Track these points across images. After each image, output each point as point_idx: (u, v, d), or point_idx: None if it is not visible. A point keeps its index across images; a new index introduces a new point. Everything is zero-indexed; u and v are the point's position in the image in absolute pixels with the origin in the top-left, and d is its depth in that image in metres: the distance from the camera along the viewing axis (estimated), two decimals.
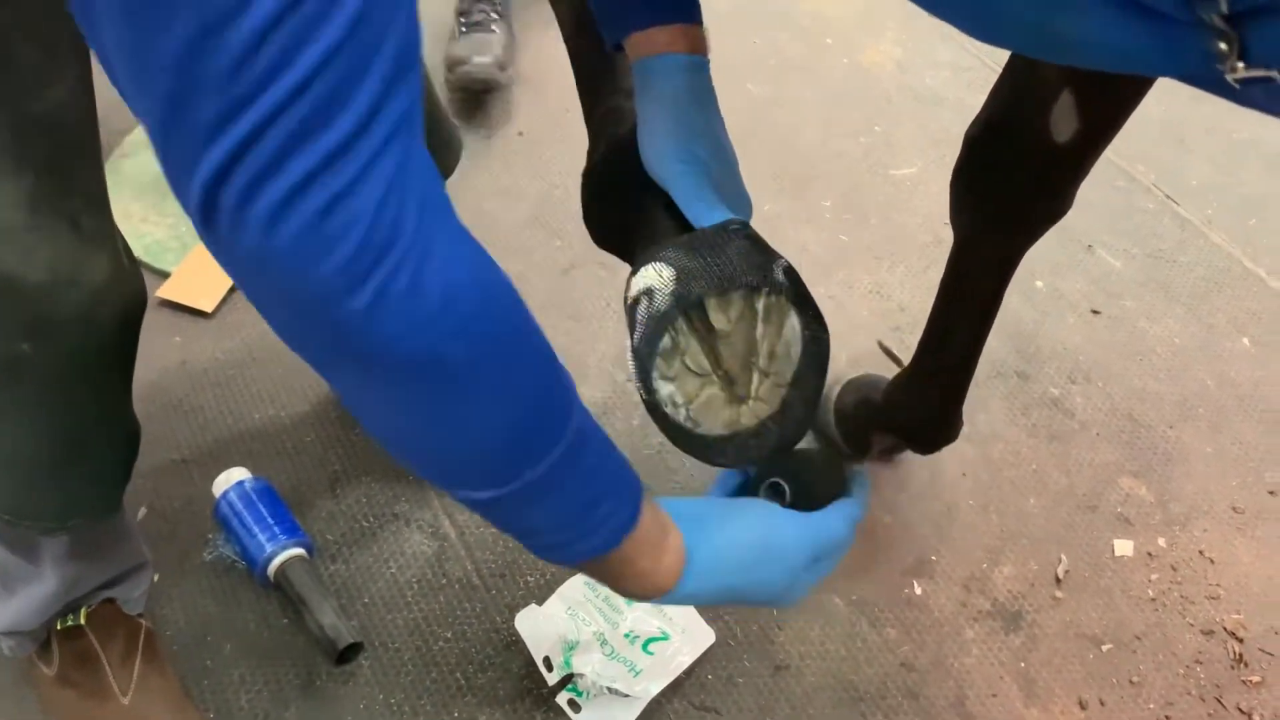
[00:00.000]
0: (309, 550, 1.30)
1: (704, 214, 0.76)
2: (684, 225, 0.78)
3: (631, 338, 0.74)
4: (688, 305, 0.72)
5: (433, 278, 0.52)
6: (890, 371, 1.42)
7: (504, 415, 0.59)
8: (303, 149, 0.46)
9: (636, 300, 0.73)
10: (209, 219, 0.49)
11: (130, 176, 1.76)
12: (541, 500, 0.63)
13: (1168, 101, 2.10)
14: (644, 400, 0.75)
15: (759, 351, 0.75)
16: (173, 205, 1.82)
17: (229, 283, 1.63)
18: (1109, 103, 1.01)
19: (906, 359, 1.36)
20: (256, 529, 1.29)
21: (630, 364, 0.74)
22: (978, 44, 2.18)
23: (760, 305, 0.74)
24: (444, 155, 1.24)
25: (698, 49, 0.80)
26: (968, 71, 2.16)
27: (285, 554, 1.27)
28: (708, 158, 0.77)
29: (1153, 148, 2.02)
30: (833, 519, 0.77)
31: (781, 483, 0.79)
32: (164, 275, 1.63)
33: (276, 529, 1.29)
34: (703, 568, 0.71)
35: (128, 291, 0.89)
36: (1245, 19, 0.44)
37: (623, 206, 0.84)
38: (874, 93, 2.12)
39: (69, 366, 0.86)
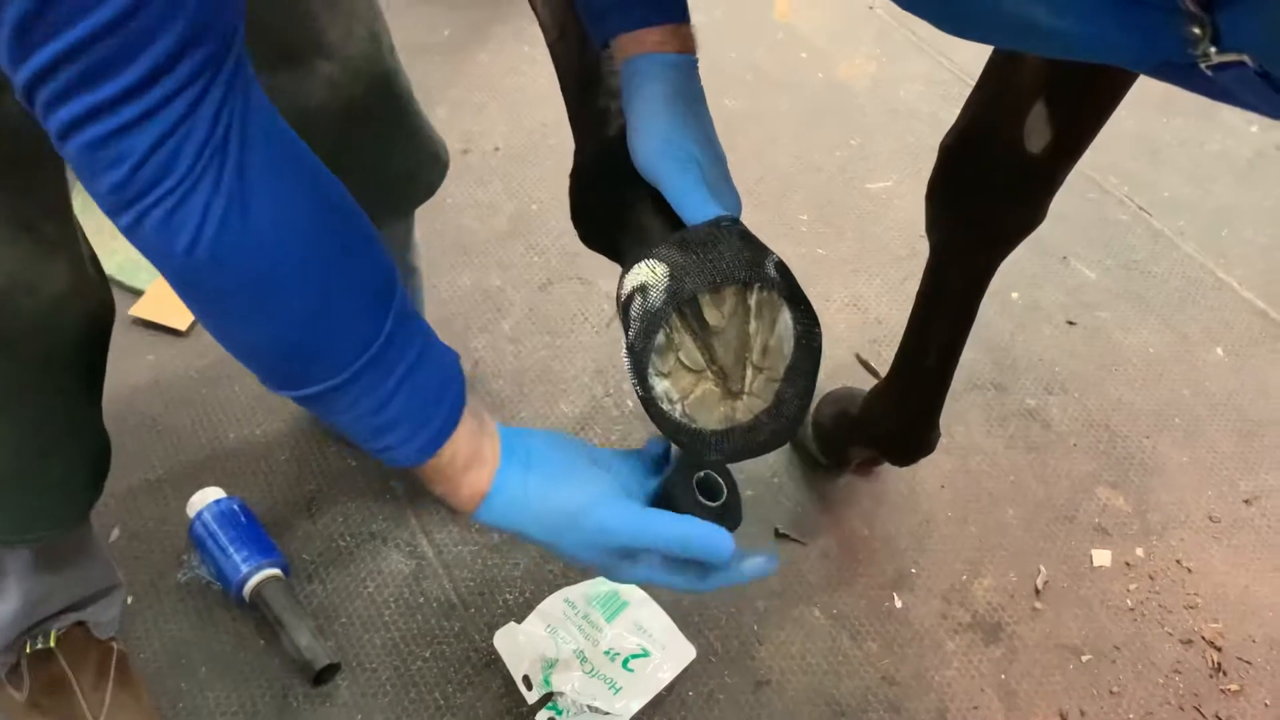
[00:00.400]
0: (285, 570, 1.29)
1: (696, 210, 0.76)
2: (674, 223, 0.78)
3: (626, 335, 0.74)
4: (681, 301, 0.72)
5: (184, 222, 0.60)
6: (868, 384, 1.42)
7: (269, 336, 0.67)
8: (90, 89, 0.54)
9: (630, 297, 0.73)
10: (29, 107, 0.57)
11: None
12: (330, 410, 0.70)
13: (1140, 115, 2.13)
14: (640, 397, 0.75)
15: (752, 347, 0.76)
16: None
17: None
18: (1082, 113, 1.02)
19: (884, 371, 1.36)
20: (232, 549, 1.27)
21: (625, 361, 0.74)
22: (952, 58, 2.21)
23: (753, 300, 0.74)
24: (429, 169, 1.23)
25: (687, 48, 0.80)
26: (942, 85, 2.17)
27: (261, 574, 1.26)
28: (699, 155, 0.77)
29: (1125, 160, 2.04)
30: (687, 529, 0.75)
31: (718, 478, 0.79)
32: (137, 293, 1.61)
33: (252, 549, 1.27)
34: (499, 511, 0.76)
35: (91, 301, 0.88)
36: (1218, 4, 0.44)
37: (612, 205, 0.83)
38: (849, 107, 2.13)
39: (30, 376, 0.85)
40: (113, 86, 0.54)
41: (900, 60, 2.26)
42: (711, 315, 0.74)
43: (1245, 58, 0.46)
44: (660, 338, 0.73)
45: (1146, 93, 2.23)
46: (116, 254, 1.66)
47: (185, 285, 0.65)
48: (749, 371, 0.76)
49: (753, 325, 0.75)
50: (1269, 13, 0.43)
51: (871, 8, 2.40)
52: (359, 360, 0.68)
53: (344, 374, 0.67)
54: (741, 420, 0.77)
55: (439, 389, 0.73)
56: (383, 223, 1.12)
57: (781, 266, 0.75)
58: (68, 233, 0.87)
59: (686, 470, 0.78)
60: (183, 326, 1.58)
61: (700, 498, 0.77)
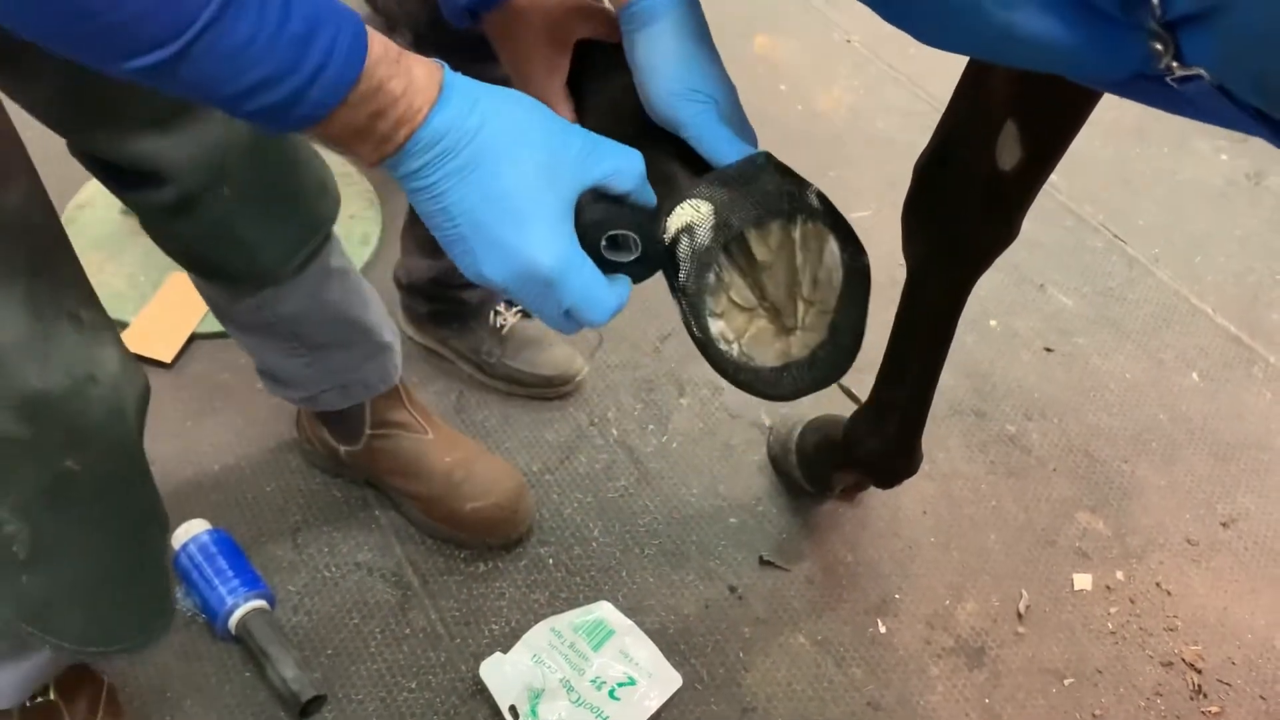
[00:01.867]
0: (270, 602, 1.29)
1: (725, 151, 0.75)
2: (699, 168, 0.77)
3: (674, 278, 0.72)
4: (730, 237, 0.72)
5: None
6: (849, 409, 1.43)
7: None
8: None
9: (675, 239, 0.72)
10: None
11: (86, 227, 1.75)
12: (232, 46, 0.55)
13: (1114, 145, 2.17)
14: (697, 339, 0.73)
15: (801, 280, 0.75)
16: (130, 255, 1.81)
17: (188, 332, 1.62)
18: (1051, 131, 1.05)
19: (864, 396, 1.38)
20: (217, 581, 1.27)
21: (679, 305, 0.72)
22: (928, 89, 2.24)
23: (798, 234, 0.74)
24: (320, 202, 1.12)
25: None
26: (919, 116, 2.20)
27: (246, 606, 1.26)
28: (716, 93, 0.75)
29: (1100, 189, 2.07)
30: (591, 288, 0.67)
31: (631, 235, 0.72)
32: (122, 325, 1.62)
33: (237, 581, 1.27)
34: (463, 94, 0.63)
35: (138, 377, 0.87)
36: (1178, 24, 0.47)
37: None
38: (828, 137, 2.16)
39: (112, 469, 0.84)
40: None
41: (877, 92, 2.30)
42: (760, 251, 0.73)
43: (1203, 72, 0.48)
44: (711, 277, 0.72)
45: (1121, 123, 2.26)
46: (102, 287, 1.66)
47: None
48: (800, 305, 0.75)
49: (799, 258, 0.74)
50: (1223, 34, 0.46)
51: (849, 41, 2.44)
52: None
53: None
54: (797, 355, 0.75)
55: None
56: (312, 251, 1.12)
57: (822, 197, 0.74)
58: (104, 317, 0.86)
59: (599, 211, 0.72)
60: (168, 359, 1.58)
61: (606, 253, 0.72)
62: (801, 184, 0.75)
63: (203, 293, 1.23)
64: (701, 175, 0.75)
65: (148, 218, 1.05)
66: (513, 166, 0.65)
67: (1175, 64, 0.49)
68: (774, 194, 0.73)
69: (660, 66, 0.75)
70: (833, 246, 0.74)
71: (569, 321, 0.69)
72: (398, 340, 1.35)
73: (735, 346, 0.74)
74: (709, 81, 0.75)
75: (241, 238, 1.05)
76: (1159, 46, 0.49)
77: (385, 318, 1.31)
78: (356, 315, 1.26)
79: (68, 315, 0.80)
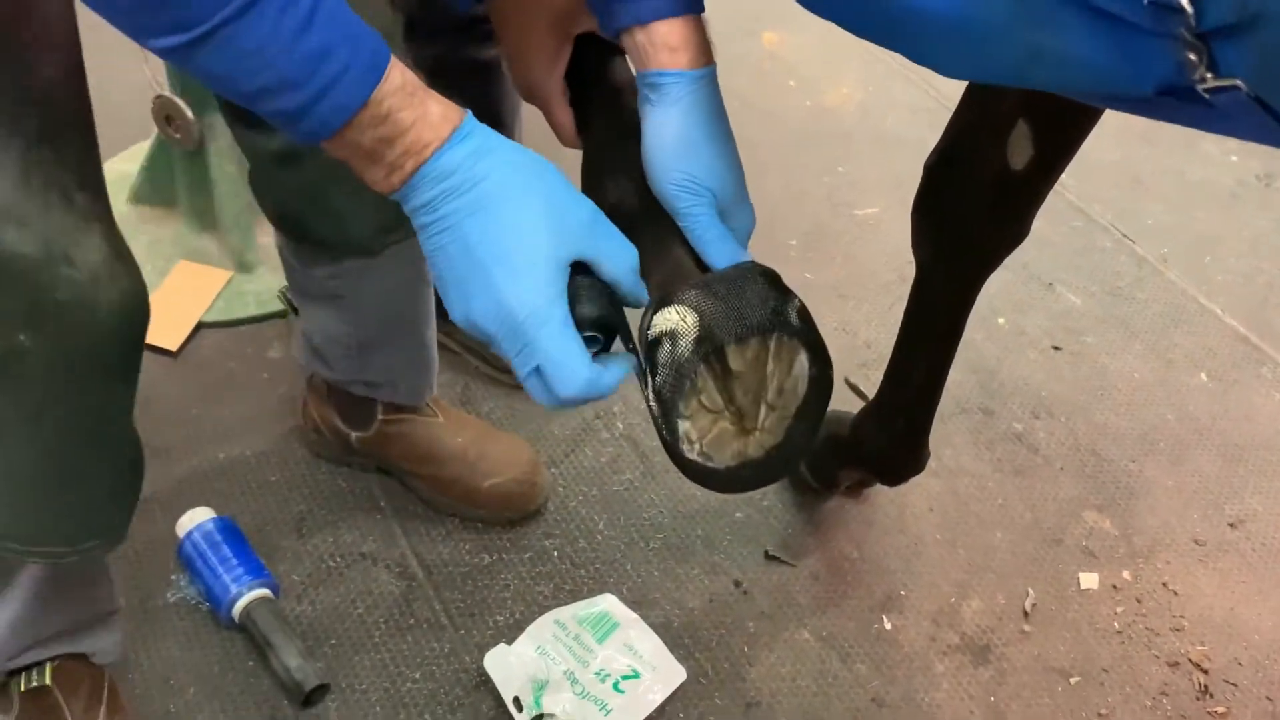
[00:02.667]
0: (274, 591, 1.28)
1: (713, 254, 0.77)
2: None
3: (650, 377, 0.75)
4: (710, 351, 0.75)
5: None
6: (856, 408, 1.43)
7: None
8: None
9: (658, 340, 0.75)
10: None
11: None
12: (247, 46, 0.57)
13: (1123, 145, 2.16)
14: (663, 440, 0.77)
15: (769, 387, 0.78)
16: (138, 244, 1.79)
17: (193, 321, 1.61)
18: (1063, 130, 1.04)
19: (872, 395, 1.37)
20: (221, 569, 1.27)
21: (651, 405, 0.75)
22: (938, 86, 2.24)
23: (773, 344, 0.77)
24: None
25: (701, 53, 0.77)
26: (928, 113, 2.20)
27: (250, 595, 1.25)
28: (717, 185, 0.77)
29: (1109, 188, 2.07)
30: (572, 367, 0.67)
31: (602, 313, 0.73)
32: None
33: (241, 570, 1.27)
34: (478, 138, 0.66)
35: (125, 281, 0.83)
36: (1212, 35, 0.46)
37: (636, 228, 0.81)
38: (836, 134, 2.16)
39: (70, 363, 0.80)
40: None
41: (886, 88, 2.29)
42: (736, 362, 0.76)
43: (1239, 83, 0.47)
44: (687, 384, 0.75)
45: (1130, 123, 2.26)
46: None
47: None
48: (763, 410, 0.78)
49: (770, 366, 0.77)
50: (1261, 44, 0.45)
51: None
52: None
53: None
54: (753, 455, 0.79)
55: (350, 13, 0.62)
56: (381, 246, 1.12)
57: (803, 312, 0.78)
58: (101, 206, 0.83)
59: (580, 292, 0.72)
60: (173, 347, 1.58)
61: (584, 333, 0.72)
62: (786, 297, 0.78)
63: (284, 254, 1.24)
64: (704, 275, 0.77)
65: (256, 163, 1.08)
66: (516, 215, 0.67)
67: (1209, 75, 0.48)
68: (759, 310, 0.76)
69: (667, 147, 0.76)
70: (803, 360, 0.78)
71: (540, 384, 0.69)
72: (436, 363, 1.37)
73: (697, 446, 0.77)
74: (712, 173, 0.77)
75: (334, 203, 1.06)
76: (1192, 57, 0.48)
77: (434, 339, 1.33)
78: (413, 319, 1.28)
79: (60, 190, 0.78)
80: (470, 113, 0.68)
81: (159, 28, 0.57)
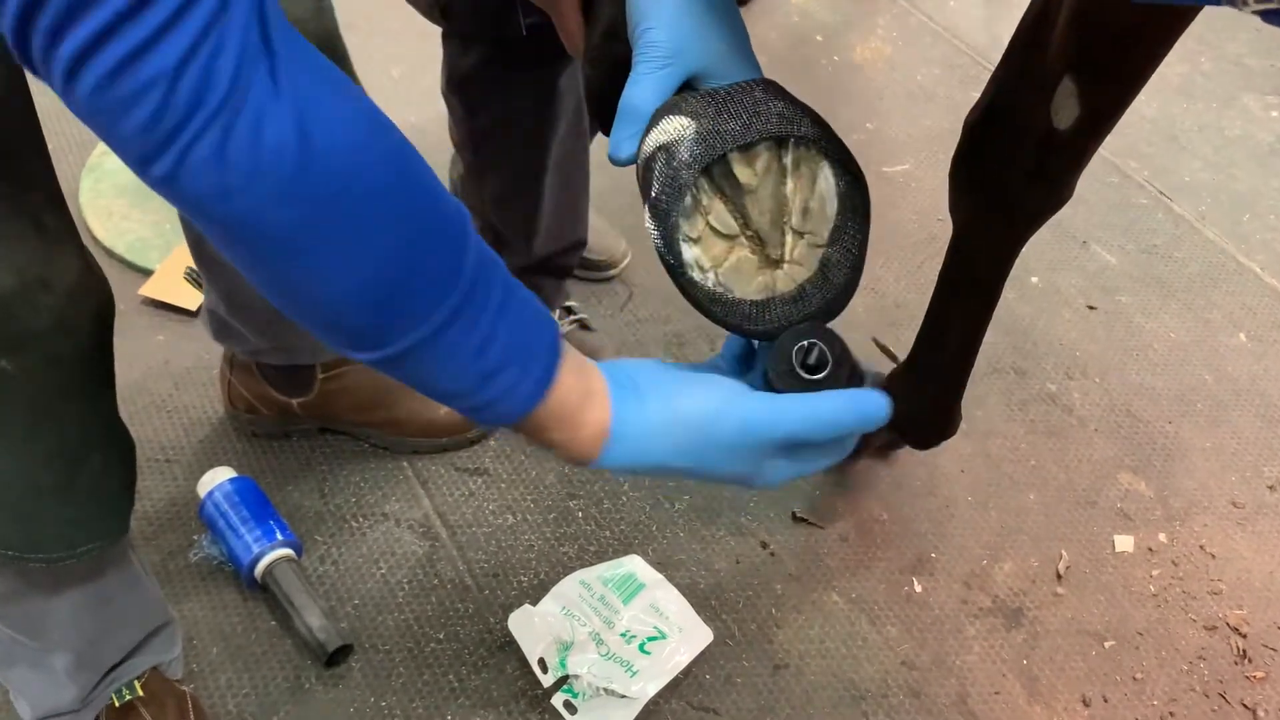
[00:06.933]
0: (297, 551, 1.27)
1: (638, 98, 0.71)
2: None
3: (647, 196, 0.68)
4: (710, 159, 0.67)
5: (242, 139, 0.49)
6: (887, 368, 1.40)
7: (358, 278, 0.56)
8: (92, 6, 0.45)
9: (652, 156, 0.67)
10: (25, 58, 0.47)
11: (111, 174, 1.72)
12: (428, 365, 0.60)
13: (1160, 100, 2.11)
14: (667, 265, 0.69)
15: (790, 209, 0.69)
16: (156, 203, 1.79)
17: None
18: (1111, 88, 0.99)
19: (902, 355, 1.34)
20: (243, 529, 1.26)
21: (650, 225, 0.68)
22: (968, 41, 2.18)
23: (789, 159, 0.69)
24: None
25: None
26: (959, 69, 2.15)
27: (272, 555, 1.24)
28: (680, 44, 0.70)
29: (1145, 145, 2.02)
30: (827, 401, 0.66)
31: (820, 345, 0.68)
32: (147, 273, 1.60)
33: (263, 529, 1.26)
34: (627, 446, 0.66)
35: (98, 293, 0.84)
36: None
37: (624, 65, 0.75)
38: (865, 90, 2.11)
39: (52, 379, 0.81)
40: None
41: (916, 44, 2.24)
42: (743, 173, 0.68)
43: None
44: (687, 200, 0.68)
45: (1168, 78, 2.20)
46: (127, 234, 1.65)
47: (246, 226, 0.53)
48: (789, 236, 0.70)
49: (789, 185, 0.69)
50: None
51: None
52: (452, 295, 0.58)
53: (440, 314, 0.58)
54: (783, 290, 0.70)
55: (534, 319, 0.64)
56: None
57: (819, 121, 0.69)
58: (68, 224, 0.83)
59: (782, 353, 0.69)
60: (192, 306, 1.56)
61: (803, 374, 0.68)
62: (796, 105, 0.69)
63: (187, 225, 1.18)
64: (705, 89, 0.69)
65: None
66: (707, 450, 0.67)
67: None
68: (765, 113, 0.67)
69: (641, 5, 0.71)
70: (827, 173, 0.69)
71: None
72: None
73: (710, 275, 0.69)
74: (677, 31, 0.70)
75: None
76: None
77: None
78: None
79: (29, 217, 0.77)
80: (615, 413, 0.66)
81: (354, 344, 0.60)
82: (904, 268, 1.72)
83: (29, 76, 0.75)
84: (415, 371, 0.61)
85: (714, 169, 0.68)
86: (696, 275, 0.69)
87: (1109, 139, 1.04)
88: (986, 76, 1.04)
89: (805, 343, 0.68)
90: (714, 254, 0.69)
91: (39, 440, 0.84)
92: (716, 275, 0.69)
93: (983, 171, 1.08)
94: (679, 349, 1.58)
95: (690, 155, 0.67)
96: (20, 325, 0.77)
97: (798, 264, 0.70)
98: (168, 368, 1.50)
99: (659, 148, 0.68)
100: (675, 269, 0.69)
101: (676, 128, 0.67)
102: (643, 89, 0.70)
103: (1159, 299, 1.73)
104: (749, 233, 0.70)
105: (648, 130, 0.69)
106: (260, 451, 1.41)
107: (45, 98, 0.78)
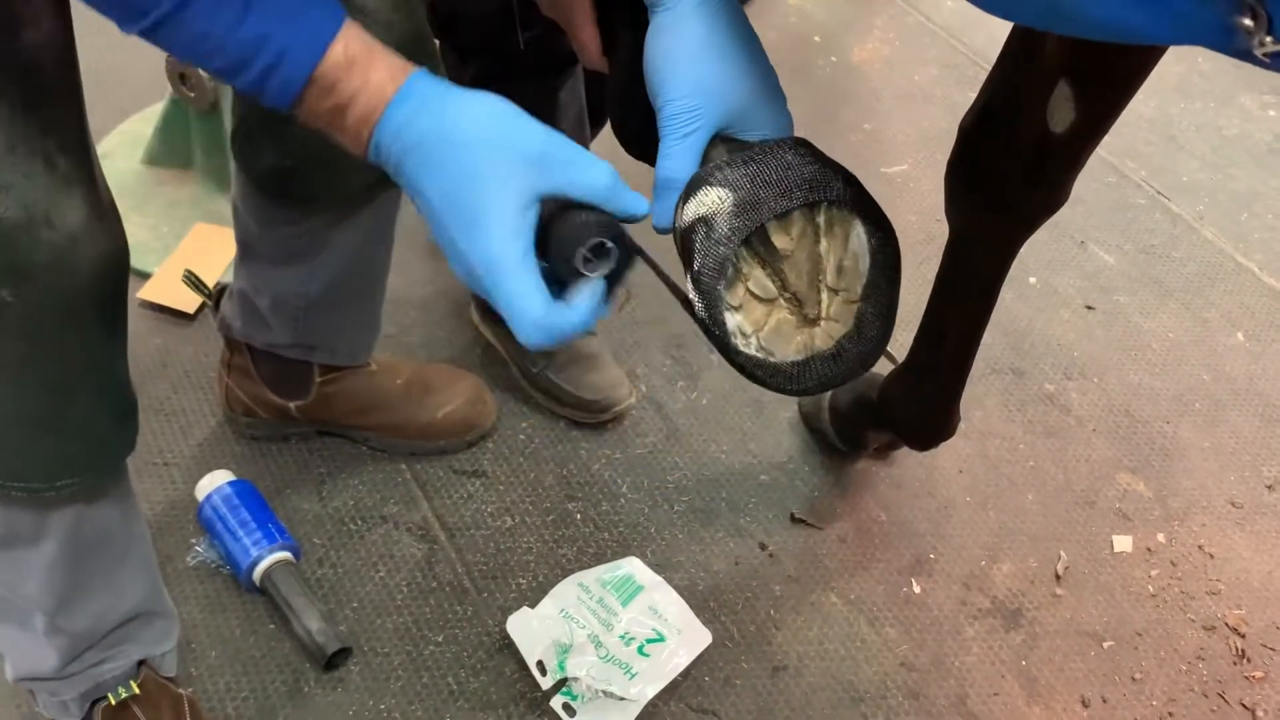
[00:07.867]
0: (295, 554, 1.27)
1: (671, 167, 0.72)
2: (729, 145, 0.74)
3: (690, 267, 0.69)
4: (748, 231, 0.68)
5: None
6: (885, 368, 1.40)
7: None
8: None
9: (691, 229, 0.69)
10: None
11: (110, 176, 1.71)
12: (189, 30, 0.64)
13: (1158, 99, 2.11)
14: (710, 334, 0.70)
15: (825, 268, 0.71)
16: (154, 206, 1.79)
17: (211, 284, 1.59)
18: (1107, 92, 0.99)
19: (900, 356, 1.34)
20: (241, 533, 1.26)
21: (693, 295, 0.69)
22: (966, 41, 2.18)
23: (822, 219, 0.70)
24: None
25: None
26: (956, 69, 2.15)
27: (271, 558, 1.24)
28: (704, 99, 0.72)
29: (1143, 145, 2.02)
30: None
31: (605, 243, 0.69)
32: (145, 277, 1.60)
33: (262, 532, 1.26)
34: (414, 107, 0.67)
35: (106, 239, 0.85)
36: None
37: (650, 116, 0.77)
38: (863, 91, 2.11)
39: (49, 314, 0.83)
40: None
41: (914, 44, 2.24)
42: (780, 240, 0.70)
43: None
44: (730, 271, 0.69)
45: (1165, 78, 2.20)
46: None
47: None
48: (825, 295, 0.72)
49: (823, 245, 0.71)
50: None
51: None
52: None
53: None
54: (821, 348, 0.72)
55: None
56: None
57: (851, 180, 0.71)
58: (85, 169, 0.84)
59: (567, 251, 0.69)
60: (190, 310, 1.56)
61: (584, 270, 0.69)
62: (826, 166, 0.71)
63: (242, 219, 1.21)
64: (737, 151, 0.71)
65: (253, 119, 1.09)
66: (463, 165, 0.67)
67: (1269, 38, 0.44)
68: (797, 181, 0.69)
69: (653, 64, 0.73)
70: (859, 232, 0.71)
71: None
72: (381, 324, 1.36)
73: (754, 341, 0.71)
74: (699, 87, 0.72)
75: (332, 153, 1.04)
76: (1248, 22, 0.44)
77: (383, 299, 1.33)
78: (369, 278, 1.28)
79: (43, 156, 0.80)
80: (419, 71, 0.69)
81: (124, 16, 0.64)
82: (902, 268, 1.72)
83: (75, 33, 0.82)
84: (188, 43, 0.65)
85: (751, 237, 0.70)
86: (740, 342, 0.71)
87: (1106, 138, 1.04)
88: (984, 77, 1.04)
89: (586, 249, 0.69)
90: (754, 318, 0.72)
91: (32, 369, 0.85)
92: (758, 339, 0.72)
93: (978, 175, 1.08)
94: (678, 350, 1.58)
95: (729, 229, 0.69)
96: (20, 257, 0.79)
97: (834, 320, 0.72)
98: (166, 371, 1.49)
99: (698, 219, 0.69)
100: (720, 339, 0.71)
101: (714, 200, 0.69)
102: (674, 161, 0.72)
103: (1157, 299, 1.73)
104: (787, 294, 0.72)
105: (684, 198, 0.71)
106: (258, 454, 1.41)
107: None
